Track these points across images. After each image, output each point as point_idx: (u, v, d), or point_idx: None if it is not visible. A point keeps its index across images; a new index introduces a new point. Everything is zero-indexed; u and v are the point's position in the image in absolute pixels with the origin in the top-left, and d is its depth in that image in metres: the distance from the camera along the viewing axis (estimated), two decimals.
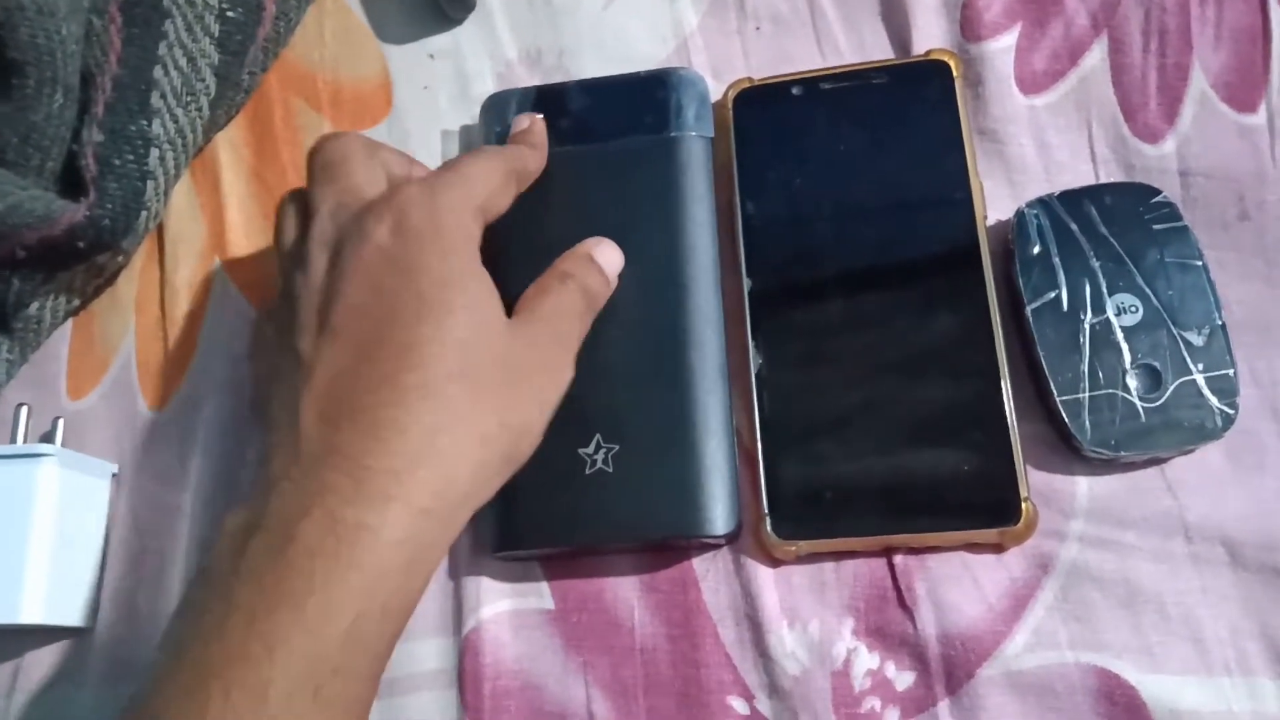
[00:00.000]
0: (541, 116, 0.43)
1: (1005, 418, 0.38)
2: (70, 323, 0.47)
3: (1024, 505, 0.37)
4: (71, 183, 0.43)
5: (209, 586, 0.31)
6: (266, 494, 0.31)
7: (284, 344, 0.34)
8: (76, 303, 0.46)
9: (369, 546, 0.30)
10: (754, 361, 0.40)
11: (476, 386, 0.33)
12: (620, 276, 0.41)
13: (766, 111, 0.44)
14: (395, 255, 0.33)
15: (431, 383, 0.32)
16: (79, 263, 0.43)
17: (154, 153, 0.43)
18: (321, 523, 0.30)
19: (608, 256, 0.40)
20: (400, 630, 0.32)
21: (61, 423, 0.44)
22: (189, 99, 0.44)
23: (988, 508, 0.38)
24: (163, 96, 0.43)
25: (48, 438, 0.44)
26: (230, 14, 0.45)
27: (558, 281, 0.38)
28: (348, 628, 0.30)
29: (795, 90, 0.44)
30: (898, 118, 0.43)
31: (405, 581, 0.31)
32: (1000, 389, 0.38)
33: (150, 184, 0.43)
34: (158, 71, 0.43)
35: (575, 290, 0.38)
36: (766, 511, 0.39)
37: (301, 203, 0.37)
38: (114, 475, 0.44)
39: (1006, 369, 0.38)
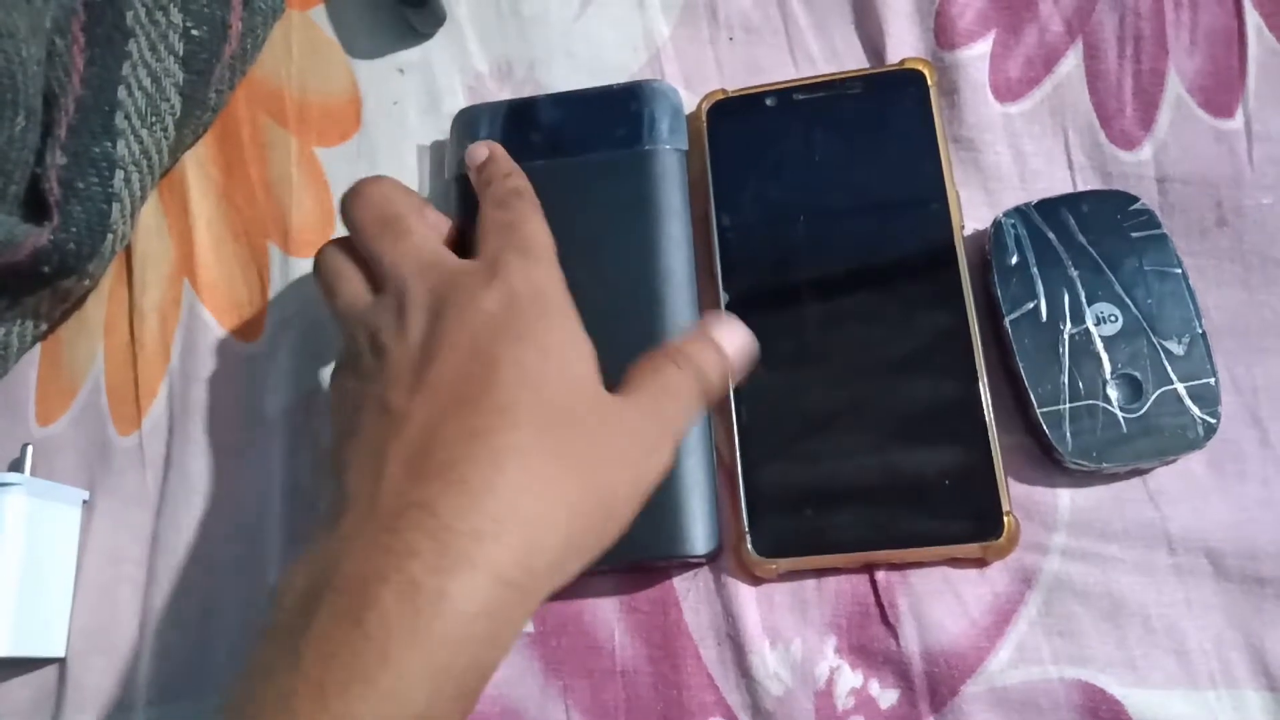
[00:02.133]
0: (494, 143, 0.41)
1: (986, 431, 0.38)
2: (38, 347, 0.46)
3: (1006, 519, 0.37)
4: (35, 206, 0.42)
5: (275, 647, 0.28)
6: (338, 551, 0.29)
7: (370, 396, 0.33)
8: (44, 327, 0.45)
9: (449, 618, 0.27)
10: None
11: (570, 457, 0.31)
12: (596, 292, 0.41)
13: (740, 123, 0.43)
14: (502, 324, 0.32)
15: (525, 446, 0.30)
16: (44, 288, 0.43)
17: (119, 175, 0.43)
18: (399, 589, 0.27)
19: (733, 339, 0.37)
20: (472, 709, 0.29)
21: (30, 450, 0.44)
22: (154, 119, 0.43)
23: (970, 522, 0.37)
24: (127, 117, 0.43)
25: (16, 465, 0.44)
26: (195, 32, 0.44)
27: (672, 362, 0.35)
28: (423, 707, 0.27)
29: (769, 101, 0.43)
30: (872, 128, 0.42)
31: (483, 656, 0.29)
32: (980, 402, 0.38)
33: (115, 206, 0.43)
34: (121, 92, 0.43)
35: (689, 374, 0.35)
36: (747, 529, 0.39)
37: (356, 255, 0.37)
38: (84, 502, 0.44)
39: (986, 381, 0.38)
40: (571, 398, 0.32)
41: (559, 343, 0.33)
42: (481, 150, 0.41)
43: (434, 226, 0.38)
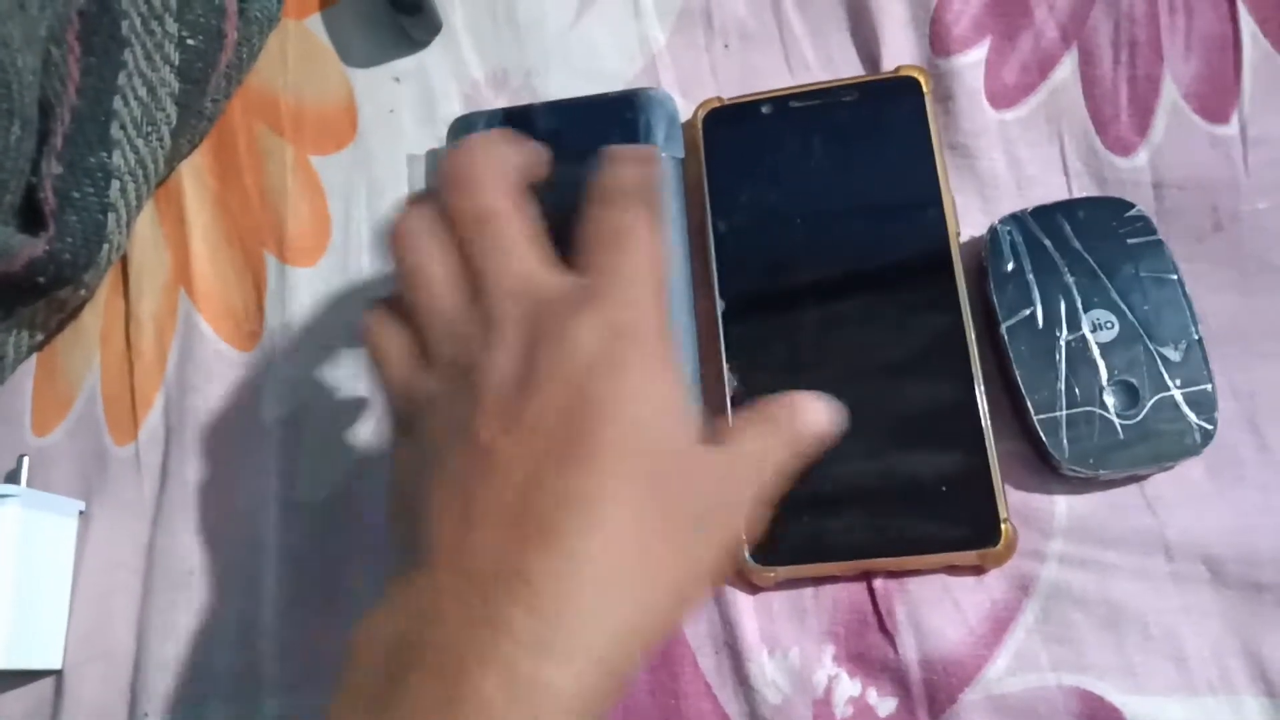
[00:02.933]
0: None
1: (983, 438, 0.38)
2: (34, 357, 0.46)
3: (1003, 526, 0.37)
4: (30, 217, 0.42)
5: (357, 718, 0.27)
6: (424, 611, 0.27)
7: (455, 421, 0.30)
8: (40, 337, 0.45)
9: (547, 706, 0.25)
10: (729, 384, 0.40)
11: (673, 524, 0.29)
12: None
13: (736, 131, 0.43)
14: (603, 363, 0.29)
15: (630, 515, 0.28)
16: (40, 298, 0.43)
17: (115, 185, 0.43)
18: (496, 674, 0.25)
19: (817, 409, 0.34)
20: None
21: (26, 460, 0.44)
22: (149, 129, 0.43)
23: (967, 529, 0.37)
24: (123, 127, 0.43)
25: (13, 476, 0.44)
26: (190, 42, 0.44)
27: (759, 426, 0.33)
28: None
29: (765, 109, 0.43)
30: (868, 135, 0.42)
31: None
32: (977, 409, 0.38)
33: (111, 216, 0.43)
34: (117, 102, 0.43)
35: (783, 436, 0.33)
36: (743, 538, 0.38)
37: (443, 238, 0.33)
38: (81, 512, 0.44)
39: (983, 388, 0.38)
40: (675, 456, 0.30)
41: (661, 393, 0.30)
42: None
43: (532, 219, 0.33)
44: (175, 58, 0.44)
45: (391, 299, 0.34)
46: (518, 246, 0.32)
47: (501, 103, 0.47)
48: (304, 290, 0.45)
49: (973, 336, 0.39)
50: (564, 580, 0.26)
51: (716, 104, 0.44)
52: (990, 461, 0.37)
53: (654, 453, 0.29)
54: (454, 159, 0.33)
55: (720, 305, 0.41)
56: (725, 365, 0.40)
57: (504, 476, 0.28)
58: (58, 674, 0.42)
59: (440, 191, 0.33)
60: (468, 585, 0.27)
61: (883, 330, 0.40)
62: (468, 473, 0.28)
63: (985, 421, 0.38)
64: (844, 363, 0.40)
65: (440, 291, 0.32)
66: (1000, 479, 0.37)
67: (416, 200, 0.34)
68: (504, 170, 0.33)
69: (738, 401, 0.40)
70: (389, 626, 0.27)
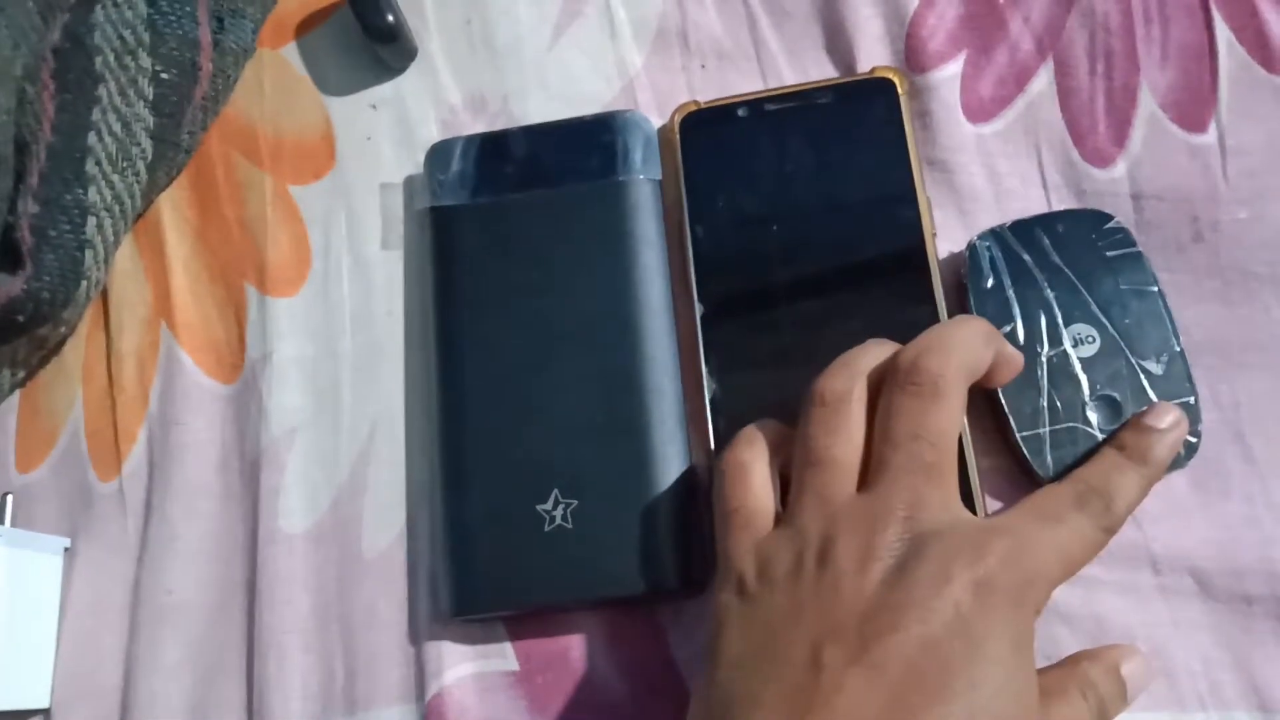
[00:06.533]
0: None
1: (964, 453, 0.37)
2: (17, 395, 0.46)
3: None
4: (7, 255, 0.42)
5: None
6: None
7: (801, 626, 0.30)
8: (21, 374, 0.45)
9: None
10: (707, 388, 0.40)
11: None
12: (574, 325, 0.41)
13: (713, 134, 0.43)
14: (964, 633, 0.29)
15: None
16: (19, 336, 0.43)
17: (91, 221, 0.42)
18: None
19: (1136, 672, 0.33)
20: None
21: (10, 499, 0.43)
22: (125, 164, 0.43)
23: None
24: (98, 163, 0.43)
25: None
26: (165, 75, 0.44)
27: (1077, 690, 0.32)
28: None
29: (741, 112, 0.43)
30: (843, 136, 0.42)
31: None
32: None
33: (89, 253, 0.42)
34: (92, 138, 0.43)
35: (1093, 707, 0.32)
36: None
37: (861, 420, 0.34)
38: (66, 549, 0.44)
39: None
40: None
41: (1007, 678, 0.29)
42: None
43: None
44: (150, 92, 0.44)
45: (766, 427, 0.36)
46: (943, 472, 0.32)
47: (479, 127, 0.47)
48: (284, 321, 0.45)
49: None
50: None
51: (693, 108, 0.44)
52: (972, 477, 0.37)
53: None
54: (932, 334, 0.34)
55: (699, 309, 0.41)
56: (704, 369, 0.40)
57: (840, 713, 0.28)
58: (45, 713, 0.42)
59: (900, 349, 0.34)
60: None
61: (860, 332, 0.40)
62: (802, 696, 0.28)
63: (966, 437, 0.38)
64: (822, 365, 0.39)
65: (840, 477, 0.33)
66: (982, 494, 0.37)
67: (863, 355, 0.35)
68: (972, 371, 0.34)
69: (717, 405, 0.40)
70: None
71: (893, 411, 0.33)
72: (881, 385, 0.34)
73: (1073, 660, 0.33)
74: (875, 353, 0.35)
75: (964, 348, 0.34)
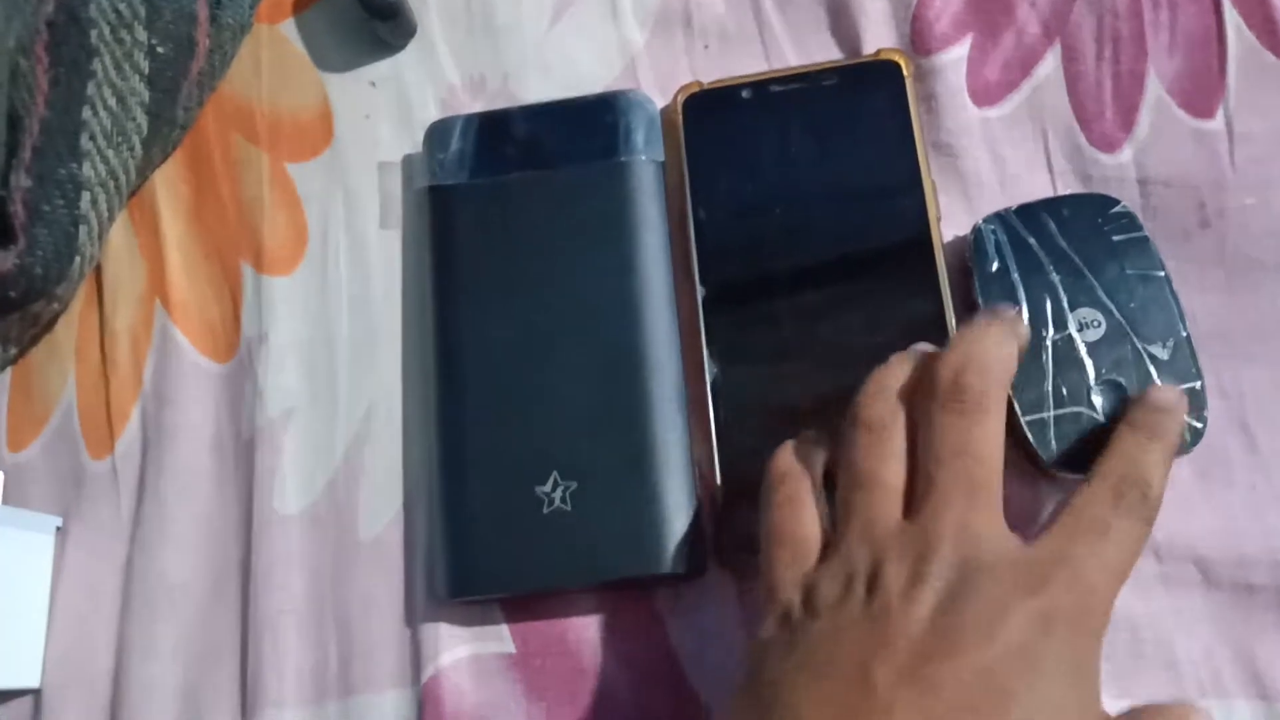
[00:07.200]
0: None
1: None
2: (8, 372, 0.46)
3: None
4: (1, 230, 0.41)
5: None
6: None
7: (850, 644, 0.29)
8: (14, 352, 0.45)
9: None
10: (709, 371, 0.40)
11: None
12: (574, 306, 0.40)
13: (716, 115, 0.43)
14: (1022, 660, 0.28)
15: None
16: (12, 312, 0.42)
17: (85, 196, 0.42)
18: None
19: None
20: None
21: (1, 477, 0.43)
22: (120, 139, 0.43)
23: None
24: (93, 138, 0.42)
25: None
26: (161, 50, 0.43)
27: None
28: None
29: (745, 93, 0.43)
30: (848, 118, 0.42)
31: None
32: None
33: (83, 229, 0.42)
34: (86, 112, 0.42)
35: None
36: (728, 543, 0.38)
37: (902, 436, 0.33)
38: (58, 528, 0.43)
39: None
40: None
41: (1065, 707, 0.29)
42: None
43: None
44: (145, 66, 0.43)
45: (806, 444, 0.35)
46: (990, 491, 0.32)
47: (478, 107, 0.46)
48: (280, 300, 0.44)
49: (954, 321, 0.39)
50: None
51: (696, 88, 0.43)
52: None
53: None
54: (966, 347, 0.33)
55: (700, 292, 0.41)
56: (705, 352, 0.40)
57: None
58: (36, 693, 0.41)
59: (935, 365, 0.33)
60: None
61: (864, 316, 0.40)
62: (857, 709, 0.28)
63: None
64: (824, 349, 0.39)
65: (887, 500, 0.32)
66: None
67: (894, 373, 0.34)
68: (1011, 382, 0.34)
69: (717, 388, 0.39)
70: None
71: (936, 430, 0.32)
72: (914, 399, 0.34)
73: (1137, 714, 0.32)
74: (905, 367, 0.34)
75: (1003, 362, 0.33)
